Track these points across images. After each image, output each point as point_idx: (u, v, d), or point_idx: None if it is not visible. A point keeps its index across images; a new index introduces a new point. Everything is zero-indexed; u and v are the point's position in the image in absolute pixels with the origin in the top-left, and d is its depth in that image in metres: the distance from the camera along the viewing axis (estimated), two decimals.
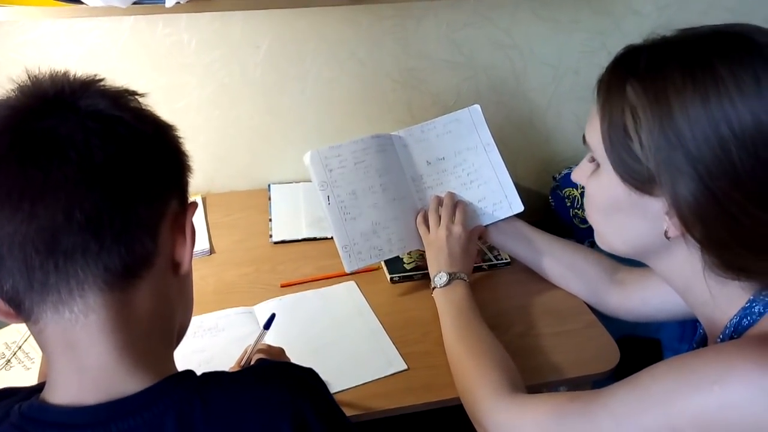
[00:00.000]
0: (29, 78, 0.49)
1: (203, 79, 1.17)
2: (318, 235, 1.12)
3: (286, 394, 0.51)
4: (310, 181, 1.25)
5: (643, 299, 0.88)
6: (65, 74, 0.49)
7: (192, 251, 0.53)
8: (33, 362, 0.85)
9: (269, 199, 1.23)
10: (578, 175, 0.69)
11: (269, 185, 1.27)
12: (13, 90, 0.48)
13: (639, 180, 0.60)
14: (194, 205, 0.54)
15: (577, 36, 1.28)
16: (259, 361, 0.58)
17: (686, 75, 0.56)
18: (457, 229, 0.95)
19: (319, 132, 1.26)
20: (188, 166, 0.54)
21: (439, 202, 1.01)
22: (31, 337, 0.88)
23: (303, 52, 1.18)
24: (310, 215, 1.17)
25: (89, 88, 0.49)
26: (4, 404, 0.50)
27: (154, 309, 0.50)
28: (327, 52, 1.19)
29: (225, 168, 1.26)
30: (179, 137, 0.53)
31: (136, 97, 0.51)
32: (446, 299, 0.89)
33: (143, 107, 0.51)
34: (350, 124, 1.26)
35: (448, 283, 0.90)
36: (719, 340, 0.63)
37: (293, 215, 1.18)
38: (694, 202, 0.57)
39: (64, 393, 0.48)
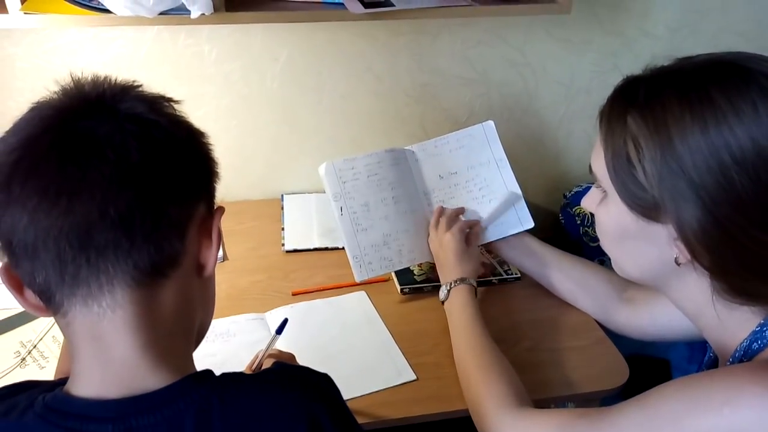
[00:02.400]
0: (72, 80, 0.51)
1: (222, 90, 1.20)
2: (330, 245, 1.14)
3: (303, 399, 0.52)
4: (323, 192, 1.28)
5: (651, 318, 0.88)
6: (106, 78, 0.51)
7: (217, 254, 0.54)
8: (47, 361, 0.86)
9: (282, 208, 1.24)
10: (587, 203, 0.70)
11: (282, 195, 1.28)
12: (56, 92, 0.50)
13: (645, 207, 0.61)
14: (221, 209, 0.56)
15: (589, 56, 1.30)
16: (275, 364, 0.59)
17: (684, 104, 0.58)
18: (446, 237, 0.96)
19: (333, 144, 1.28)
20: (217, 172, 0.56)
21: (441, 212, 1.01)
22: (47, 336, 0.90)
23: (320, 65, 1.21)
24: (322, 225, 1.19)
25: (128, 92, 0.51)
26: (27, 395, 0.51)
27: (177, 308, 0.51)
28: (343, 66, 1.22)
29: (240, 177, 1.28)
30: (210, 144, 0.55)
31: (171, 103, 0.53)
32: (451, 310, 0.90)
33: (178, 113, 0.53)
34: (364, 137, 1.28)
35: (448, 295, 0.92)
36: (729, 363, 0.64)
37: (306, 225, 1.19)
38: (700, 229, 0.58)
39: (87, 386, 0.49)
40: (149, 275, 0.49)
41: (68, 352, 0.52)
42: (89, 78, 0.51)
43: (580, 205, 1.30)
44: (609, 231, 0.67)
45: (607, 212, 0.65)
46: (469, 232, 0.99)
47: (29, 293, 0.50)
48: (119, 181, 0.47)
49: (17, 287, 0.50)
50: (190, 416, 0.48)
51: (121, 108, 0.49)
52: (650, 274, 0.67)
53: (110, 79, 0.51)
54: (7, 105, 1.13)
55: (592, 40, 1.28)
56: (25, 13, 0.89)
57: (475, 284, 0.92)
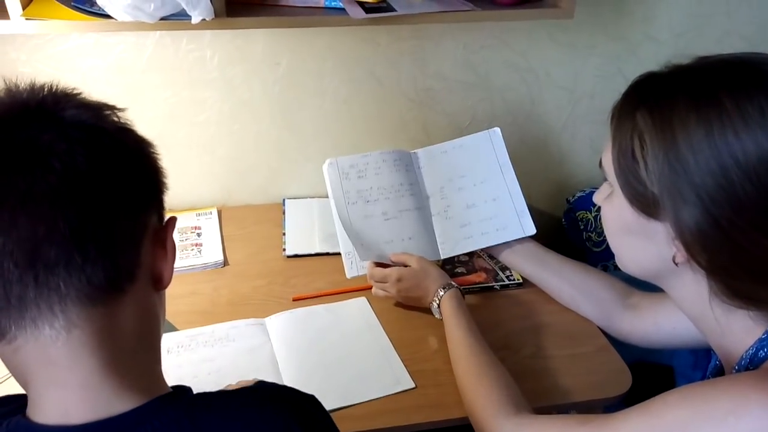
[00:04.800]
0: (7, 87, 0.48)
1: (224, 94, 1.20)
2: (331, 251, 1.13)
3: (278, 419, 0.49)
4: (325, 197, 1.28)
5: (655, 324, 0.87)
6: (45, 85, 0.48)
7: (172, 266, 0.52)
8: None
9: (284, 213, 1.24)
10: (598, 197, 0.71)
11: (284, 200, 1.28)
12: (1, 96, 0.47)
13: (644, 204, 0.62)
14: (173, 219, 0.54)
15: (592, 60, 1.29)
16: (258, 382, 0.57)
17: (691, 106, 0.58)
18: (392, 290, 0.95)
19: (335, 149, 1.28)
20: (165, 182, 0.53)
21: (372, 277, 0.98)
22: None
23: (322, 70, 1.21)
24: (323, 230, 1.18)
25: (71, 99, 0.48)
26: None
27: (138, 325, 0.49)
28: (345, 71, 1.22)
29: (242, 182, 1.28)
30: (157, 153, 0.52)
31: (116, 111, 0.50)
32: (444, 322, 0.89)
33: (124, 121, 0.50)
34: (366, 142, 1.27)
35: (439, 311, 0.92)
36: (735, 370, 0.63)
37: (307, 230, 1.19)
38: (697, 230, 0.58)
39: (47, 412, 0.46)
40: (105, 291, 0.46)
41: (19, 380, 0.48)
42: (26, 84, 0.48)
43: (584, 209, 1.31)
44: (612, 225, 0.69)
45: (612, 207, 0.67)
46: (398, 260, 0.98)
47: None
48: (68, 192, 0.44)
49: None
50: None
51: (64, 115, 0.46)
52: (649, 272, 0.67)
53: (50, 86, 0.48)
54: None
55: (595, 45, 1.27)
56: (26, 19, 0.89)
57: (453, 284, 0.92)
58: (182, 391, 0.51)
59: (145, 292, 0.50)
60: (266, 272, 1.08)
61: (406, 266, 0.96)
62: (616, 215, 0.66)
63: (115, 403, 0.47)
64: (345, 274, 0.98)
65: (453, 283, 0.93)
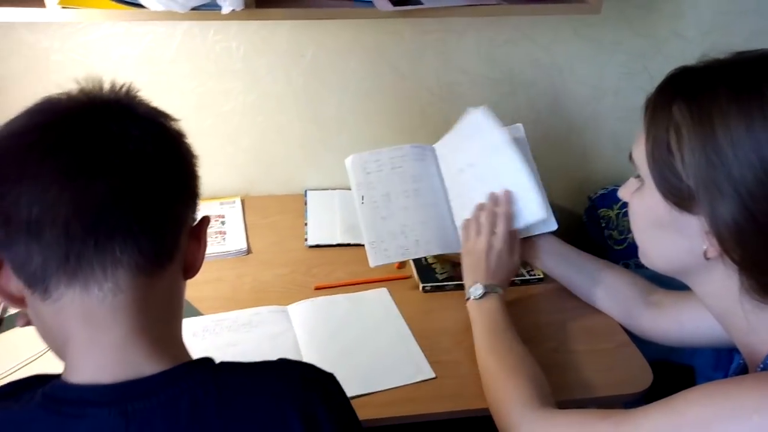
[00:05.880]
0: (90, 81, 0.54)
1: (249, 85, 1.21)
2: (352, 242, 1.14)
3: (298, 389, 0.53)
4: (346, 189, 1.29)
5: (678, 322, 0.87)
6: (119, 85, 0.54)
7: (202, 259, 0.57)
8: None
9: (305, 204, 1.25)
10: (623, 192, 0.71)
11: (305, 191, 1.29)
12: (78, 91, 0.53)
13: (679, 197, 0.61)
14: (207, 218, 0.59)
15: (618, 57, 1.28)
16: (280, 358, 0.60)
17: (732, 99, 0.57)
18: (498, 244, 0.93)
19: (356, 141, 1.28)
20: (200, 189, 0.58)
21: (481, 208, 0.97)
22: None
23: (345, 62, 1.21)
24: (344, 222, 1.19)
25: (142, 101, 0.55)
26: (32, 388, 0.52)
27: (169, 300, 0.54)
28: (369, 64, 1.22)
29: (264, 172, 1.30)
30: (198, 165, 0.58)
31: (173, 119, 0.56)
32: (480, 311, 0.89)
33: (181, 129, 0.57)
34: (387, 135, 1.28)
35: (483, 295, 0.90)
36: (759, 369, 0.63)
37: (328, 221, 1.20)
38: (734, 224, 0.57)
39: (82, 372, 0.50)
40: (150, 263, 0.50)
41: (51, 343, 0.53)
42: (106, 82, 0.54)
43: (606, 206, 1.30)
44: (641, 220, 0.68)
45: (642, 201, 0.66)
46: (513, 239, 0.95)
47: (5, 278, 0.50)
48: (136, 170, 0.49)
49: None
50: (185, 401, 0.49)
51: (138, 111, 0.53)
52: (677, 266, 0.67)
53: (123, 86, 0.55)
54: (41, 96, 1.16)
55: (621, 41, 1.26)
56: (62, 7, 0.91)
57: (502, 293, 0.91)
58: (206, 359, 0.53)
59: (177, 275, 0.55)
60: (288, 261, 1.09)
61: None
62: (647, 209, 0.65)
63: (145, 366, 0.50)
64: (368, 263, 0.99)
65: (500, 291, 0.91)
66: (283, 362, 0.57)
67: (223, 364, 0.53)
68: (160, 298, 0.52)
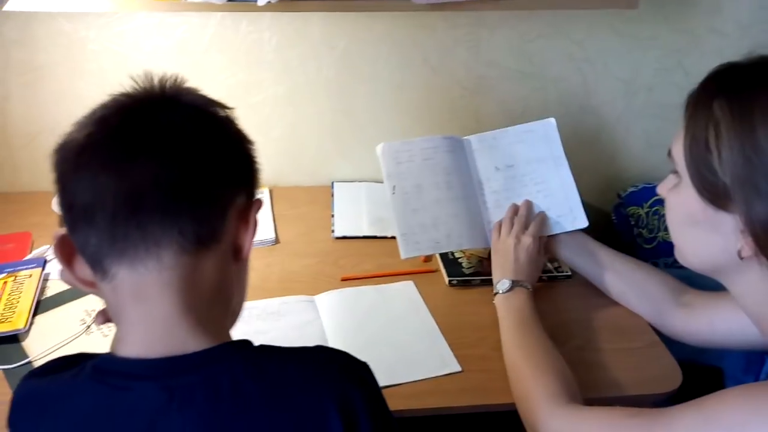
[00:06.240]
0: (143, 75, 0.57)
1: (280, 76, 1.22)
2: (378, 234, 1.15)
3: (336, 376, 0.54)
4: (373, 182, 1.29)
5: (710, 324, 0.86)
6: (172, 76, 0.57)
7: (252, 241, 0.58)
8: (110, 329, 0.90)
9: (332, 195, 1.26)
10: (661, 188, 0.71)
11: (333, 183, 1.30)
12: (132, 84, 0.56)
13: (714, 194, 0.61)
14: (259, 202, 0.60)
15: (653, 53, 1.26)
16: (317, 345, 0.61)
17: None
18: (527, 239, 0.95)
19: (385, 133, 1.28)
20: (258, 175, 0.60)
21: (516, 210, 1.00)
22: None
23: (377, 54, 1.21)
24: (371, 214, 1.20)
25: (190, 90, 0.58)
26: (80, 363, 0.55)
27: (215, 281, 0.55)
28: (400, 56, 1.22)
29: (293, 163, 1.31)
30: (254, 148, 0.60)
31: (225, 107, 0.58)
32: (507, 305, 0.89)
33: (230, 115, 0.58)
34: (417, 128, 1.28)
35: (511, 289, 0.90)
36: None
37: (355, 213, 1.21)
38: None
39: (131, 346, 0.52)
40: (192, 244, 0.52)
41: (115, 322, 0.55)
42: (158, 75, 0.57)
43: (636, 204, 1.28)
44: (676, 216, 0.68)
45: (678, 197, 0.66)
46: (542, 239, 0.98)
47: (80, 264, 0.54)
48: (173, 154, 0.52)
49: (68, 258, 0.54)
50: (226, 379, 0.50)
51: (181, 99, 0.56)
52: (711, 265, 0.66)
53: (176, 77, 0.57)
54: (78, 85, 1.18)
55: (657, 37, 1.24)
56: None
57: (531, 289, 0.92)
58: (247, 341, 0.55)
59: (226, 256, 0.56)
60: (316, 252, 1.10)
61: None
62: (682, 206, 0.65)
63: (190, 342, 0.52)
64: (395, 255, 0.99)
65: (528, 287, 0.92)
66: (320, 349, 0.58)
67: (263, 346, 0.55)
68: (207, 277, 0.54)
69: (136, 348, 0.52)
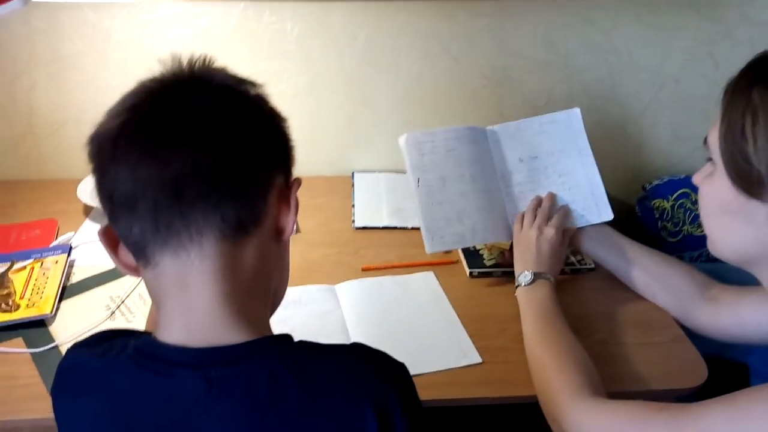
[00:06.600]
0: (172, 58, 0.56)
1: (301, 67, 1.22)
2: (398, 225, 1.14)
3: (375, 377, 0.53)
4: (392, 172, 1.29)
5: (737, 318, 0.84)
6: (201, 56, 0.56)
7: (294, 221, 0.57)
8: (134, 316, 0.92)
9: (352, 186, 1.26)
10: (697, 177, 0.70)
11: (353, 173, 1.30)
12: (160, 68, 0.55)
13: (748, 182, 0.60)
14: (298, 181, 0.59)
15: (680, 43, 1.23)
16: (354, 343, 0.61)
17: None
18: (549, 231, 0.94)
19: (406, 124, 1.28)
20: (293, 152, 0.60)
21: (539, 202, 0.99)
22: (134, 293, 0.96)
23: (398, 45, 1.21)
24: (391, 204, 1.19)
25: (220, 70, 0.56)
26: (123, 340, 0.55)
27: (256, 267, 0.54)
28: (421, 47, 1.21)
29: (314, 153, 1.31)
30: (288, 126, 0.59)
31: (256, 85, 0.57)
32: (529, 298, 0.88)
33: (261, 93, 0.57)
34: (438, 119, 1.27)
35: (533, 282, 0.89)
36: None
37: (375, 203, 1.21)
38: None
39: (172, 333, 0.53)
40: (234, 229, 0.51)
41: (155, 307, 0.55)
42: (187, 57, 0.55)
43: (661, 197, 1.26)
44: (709, 205, 0.67)
45: (711, 186, 0.65)
46: (565, 231, 0.97)
47: (123, 251, 0.54)
48: (210, 138, 0.51)
49: (113, 245, 0.55)
50: (264, 373, 0.50)
51: (213, 80, 0.54)
52: (742, 255, 0.66)
53: (205, 58, 0.56)
54: (103, 75, 1.20)
55: (685, 26, 1.21)
56: None
57: (553, 281, 0.91)
58: (287, 335, 0.54)
59: (268, 239, 0.55)
60: (336, 242, 1.10)
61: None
62: (715, 194, 0.65)
63: (229, 334, 0.52)
64: (415, 246, 0.99)
65: (551, 279, 0.91)
66: (358, 347, 0.57)
67: (302, 342, 0.54)
68: (247, 265, 0.53)
69: (177, 335, 0.52)
